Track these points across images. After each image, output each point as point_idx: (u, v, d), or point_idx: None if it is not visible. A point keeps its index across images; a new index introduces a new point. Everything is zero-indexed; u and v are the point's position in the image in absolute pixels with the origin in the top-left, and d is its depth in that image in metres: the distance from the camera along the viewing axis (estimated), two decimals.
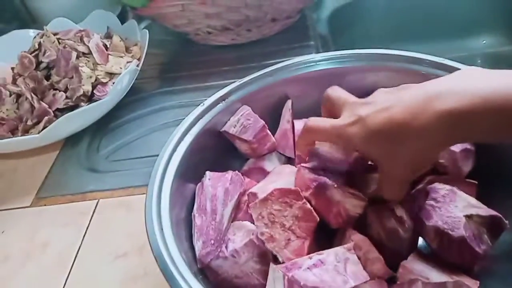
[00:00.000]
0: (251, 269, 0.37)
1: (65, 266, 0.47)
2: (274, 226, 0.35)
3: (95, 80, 0.61)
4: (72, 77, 0.60)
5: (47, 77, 0.63)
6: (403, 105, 0.31)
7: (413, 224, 0.38)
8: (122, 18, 0.81)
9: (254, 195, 0.40)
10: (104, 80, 0.61)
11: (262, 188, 0.41)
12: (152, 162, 0.41)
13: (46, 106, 0.59)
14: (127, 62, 0.64)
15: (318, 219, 0.35)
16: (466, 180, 0.40)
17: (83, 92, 0.59)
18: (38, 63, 0.64)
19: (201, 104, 0.47)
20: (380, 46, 0.51)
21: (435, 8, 0.84)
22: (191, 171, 0.44)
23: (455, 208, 0.36)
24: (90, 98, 0.61)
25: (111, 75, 0.62)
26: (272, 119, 0.51)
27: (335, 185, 0.36)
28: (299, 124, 0.48)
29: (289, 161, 0.49)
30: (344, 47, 0.54)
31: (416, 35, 0.86)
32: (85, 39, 0.64)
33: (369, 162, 0.40)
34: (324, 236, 0.39)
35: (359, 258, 0.34)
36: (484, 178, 0.40)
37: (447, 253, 0.35)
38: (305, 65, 0.51)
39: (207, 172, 0.43)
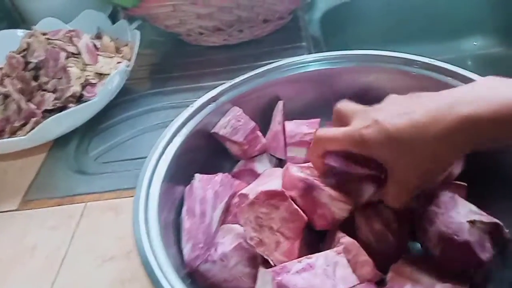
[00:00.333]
0: (240, 273, 0.37)
1: (52, 270, 0.46)
2: (263, 229, 0.34)
3: (84, 80, 0.60)
4: (61, 78, 0.59)
5: (36, 78, 0.62)
6: (424, 110, 0.31)
7: (401, 227, 0.37)
8: (113, 18, 0.81)
9: (245, 196, 0.39)
10: (93, 81, 0.60)
11: (253, 190, 0.41)
12: (142, 164, 0.41)
13: (34, 107, 0.58)
14: (117, 63, 0.64)
15: (306, 218, 0.35)
16: (455, 182, 0.40)
17: (72, 93, 0.58)
18: (26, 63, 0.63)
19: (191, 106, 0.46)
20: (372, 47, 0.51)
21: (427, 10, 0.84)
22: (181, 173, 0.43)
23: (457, 214, 0.36)
24: (79, 99, 0.60)
25: (100, 75, 0.62)
26: (264, 121, 0.51)
27: (323, 187, 0.35)
28: (290, 126, 0.48)
29: (280, 162, 0.49)
30: (336, 48, 0.53)
31: (407, 37, 0.86)
32: (75, 39, 0.63)
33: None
34: (314, 238, 0.39)
35: (348, 261, 0.34)
36: (472, 180, 0.40)
37: (450, 259, 0.35)
38: (297, 66, 0.51)
39: (197, 175, 0.42)
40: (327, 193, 0.35)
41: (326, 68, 0.50)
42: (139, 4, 0.71)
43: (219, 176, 0.42)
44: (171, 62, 0.81)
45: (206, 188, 0.40)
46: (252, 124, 0.46)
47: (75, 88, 0.58)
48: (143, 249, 0.32)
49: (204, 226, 0.38)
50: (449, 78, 0.43)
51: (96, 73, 0.61)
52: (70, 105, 0.59)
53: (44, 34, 0.65)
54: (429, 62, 0.45)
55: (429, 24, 0.85)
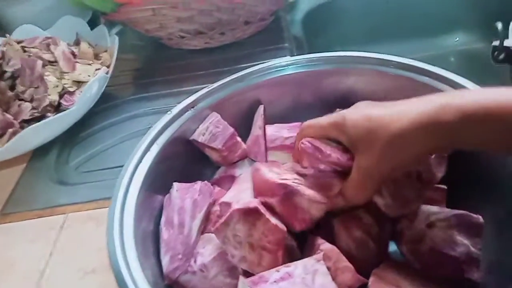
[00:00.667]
0: (221, 283, 0.36)
1: (32, 284, 0.45)
2: (243, 246, 0.34)
3: (62, 89, 0.59)
4: (38, 87, 0.58)
5: (12, 87, 0.61)
6: (397, 108, 0.33)
7: (381, 232, 0.37)
8: (94, 24, 0.79)
9: (228, 204, 0.39)
10: (71, 89, 0.59)
11: (236, 197, 0.40)
12: None
13: (11, 117, 0.57)
14: (96, 70, 0.63)
15: (286, 229, 0.34)
16: (435, 186, 0.40)
17: (50, 102, 0.57)
18: (2, 72, 0.61)
19: (169, 112, 0.45)
20: (355, 47, 0.51)
21: (409, 8, 0.84)
22: (159, 182, 0.42)
23: (419, 223, 0.36)
24: (57, 108, 0.59)
25: (79, 83, 0.60)
26: (245, 125, 0.50)
27: (302, 193, 0.35)
28: (271, 130, 0.48)
29: None
30: (319, 48, 0.53)
31: (390, 35, 0.86)
32: (52, 47, 0.62)
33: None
34: (294, 245, 0.39)
35: (328, 268, 0.33)
36: (455, 183, 0.40)
37: (430, 269, 0.35)
38: (276, 69, 0.50)
39: (175, 183, 0.41)
40: (306, 198, 0.35)
41: (305, 71, 0.49)
42: (118, 8, 0.70)
43: (197, 184, 0.41)
44: (153, 67, 0.80)
45: (185, 197, 0.40)
46: (231, 130, 0.45)
47: (53, 97, 0.57)
48: (116, 262, 0.32)
49: (182, 236, 0.38)
50: (426, 78, 0.43)
51: (74, 81, 0.60)
52: (48, 114, 0.58)
53: (19, 42, 0.64)
54: (405, 62, 0.44)
55: (411, 22, 0.85)
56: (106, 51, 0.69)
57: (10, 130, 0.56)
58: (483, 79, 0.42)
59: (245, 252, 0.34)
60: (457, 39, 0.86)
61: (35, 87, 0.59)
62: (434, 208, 0.37)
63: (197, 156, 0.48)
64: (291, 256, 0.37)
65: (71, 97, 0.59)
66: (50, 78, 0.58)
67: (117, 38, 0.68)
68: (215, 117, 0.46)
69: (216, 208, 0.41)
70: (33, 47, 0.62)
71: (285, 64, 0.50)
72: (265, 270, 0.33)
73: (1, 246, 0.50)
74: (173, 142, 0.44)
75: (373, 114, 0.33)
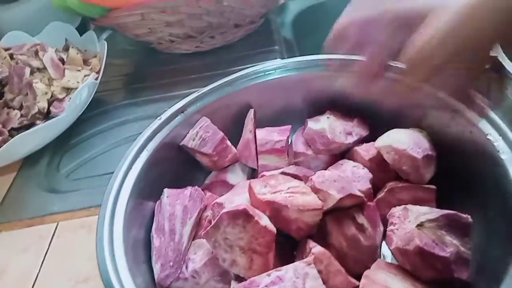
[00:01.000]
0: None
1: None
2: (233, 250, 0.34)
3: (51, 96, 0.58)
4: (27, 94, 0.58)
5: (0, 95, 0.60)
6: None
7: (374, 231, 0.37)
8: (83, 30, 0.79)
9: (220, 205, 0.39)
10: (60, 96, 0.59)
11: (229, 199, 0.40)
12: None
13: (0, 125, 0.56)
14: (85, 76, 0.62)
15: (275, 231, 0.34)
16: (425, 186, 0.40)
17: (39, 109, 0.57)
18: None
19: (158, 118, 0.45)
20: None
21: None
22: (150, 188, 0.42)
23: (408, 224, 0.36)
24: (46, 115, 0.59)
25: (68, 90, 0.60)
26: (235, 130, 0.50)
27: (288, 205, 0.35)
28: (261, 134, 0.48)
29: (254, 171, 0.49)
30: (310, 50, 0.53)
31: None
32: (40, 53, 0.61)
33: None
34: (288, 246, 0.39)
35: (320, 272, 0.33)
36: (445, 183, 0.40)
37: (421, 270, 0.35)
38: (265, 73, 0.50)
39: (165, 190, 0.41)
40: (295, 209, 0.35)
41: (294, 74, 0.49)
42: (107, 14, 0.70)
43: (188, 190, 0.41)
44: (144, 72, 0.80)
45: (175, 203, 0.39)
46: (220, 134, 0.45)
47: (42, 104, 0.57)
48: (106, 271, 0.31)
49: (174, 243, 0.37)
50: None
51: (63, 87, 0.60)
52: (38, 122, 0.57)
53: (7, 49, 0.63)
54: (393, 64, 0.44)
55: None
56: (95, 56, 0.69)
57: (0, 138, 0.56)
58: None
59: (235, 256, 0.34)
60: None
61: (24, 95, 0.58)
62: (423, 209, 0.37)
63: (189, 161, 0.48)
64: (284, 259, 0.37)
65: (60, 104, 0.58)
66: (39, 85, 0.57)
67: (106, 43, 0.68)
68: (205, 122, 0.46)
69: (208, 213, 0.41)
70: (21, 54, 0.62)
71: (274, 68, 0.50)
72: (257, 273, 0.33)
73: None
74: (163, 147, 0.44)
75: None
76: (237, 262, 0.34)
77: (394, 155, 0.41)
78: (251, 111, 0.50)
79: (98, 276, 0.44)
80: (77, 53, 0.65)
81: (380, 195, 0.42)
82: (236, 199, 0.40)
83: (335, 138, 0.46)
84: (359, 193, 0.38)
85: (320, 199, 0.38)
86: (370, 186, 0.41)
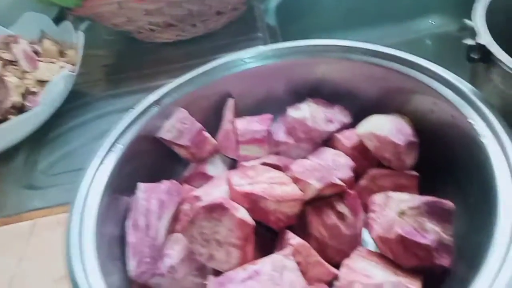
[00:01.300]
0: (191, 284, 0.35)
1: None
2: (210, 244, 0.33)
3: (25, 90, 0.56)
4: None
5: None
6: None
7: (355, 219, 0.36)
8: (61, 21, 0.76)
9: (197, 198, 0.38)
10: (34, 89, 0.57)
11: (207, 192, 0.39)
12: None
13: None
14: (61, 68, 0.60)
15: (254, 223, 0.33)
16: (407, 172, 0.40)
17: (12, 104, 0.55)
18: None
19: (131, 110, 0.44)
20: (331, 34, 0.50)
21: None
22: (126, 183, 0.41)
23: (389, 211, 0.35)
24: (20, 109, 0.57)
25: (42, 83, 0.58)
26: (215, 120, 0.49)
27: (266, 197, 0.34)
28: (241, 123, 0.46)
29: (235, 162, 0.47)
30: (294, 37, 0.52)
31: (366, 21, 0.85)
32: (12, 45, 0.59)
33: None
34: (267, 238, 0.38)
35: (299, 263, 0.33)
36: (427, 170, 0.39)
37: (402, 258, 0.34)
38: (244, 62, 0.49)
39: (140, 184, 0.40)
40: (273, 200, 0.34)
41: (274, 62, 0.48)
42: (82, 3, 0.67)
43: (164, 184, 0.40)
44: (125, 62, 0.78)
45: (150, 198, 0.38)
46: (198, 126, 0.44)
47: (15, 98, 0.55)
48: (72, 271, 0.30)
49: (149, 239, 0.36)
50: (396, 64, 0.42)
51: (38, 80, 0.58)
52: (11, 116, 0.55)
53: None
54: (373, 49, 0.43)
55: (386, 7, 0.84)
56: (72, 47, 0.67)
57: None
58: (460, 61, 0.41)
59: (212, 250, 0.33)
60: (432, 22, 0.86)
61: None
62: (404, 196, 0.36)
63: (168, 154, 0.46)
64: (264, 250, 0.36)
65: (35, 98, 0.56)
66: (11, 79, 0.55)
67: (82, 34, 0.66)
68: (181, 113, 0.45)
69: (186, 206, 0.40)
70: None
71: (253, 56, 0.48)
72: (235, 267, 0.33)
73: None
74: (138, 140, 0.43)
75: None
76: (214, 257, 0.33)
77: (376, 142, 0.40)
78: (230, 101, 0.48)
79: None
80: (52, 45, 0.63)
81: (362, 182, 0.41)
82: (214, 191, 0.39)
83: (316, 126, 0.44)
84: (339, 182, 0.37)
85: (300, 189, 0.37)
86: (351, 174, 0.40)
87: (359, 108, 0.45)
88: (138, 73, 0.74)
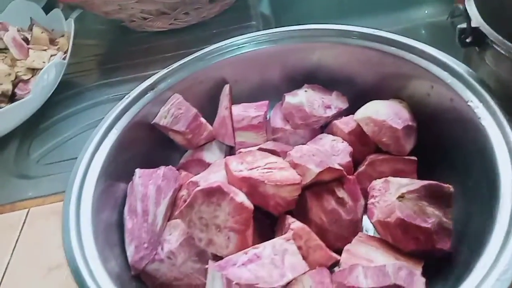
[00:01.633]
0: (190, 269, 0.35)
1: None
2: (209, 229, 0.32)
3: (15, 77, 0.55)
4: None
5: None
6: None
7: (355, 205, 0.36)
8: (51, 9, 0.75)
9: (195, 183, 0.37)
10: (25, 77, 0.56)
11: (204, 178, 0.38)
12: None
13: None
14: (52, 56, 0.59)
15: (253, 207, 0.33)
16: (405, 157, 0.39)
17: (2, 91, 0.53)
18: None
19: (127, 96, 0.43)
20: (324, 23, 0.49)
21: None
22: (122, 169, 0.40)
23: (389, 196, 0.35)
24: (11, 98, 0.56)
25: (33, 70, 0.57)
26: (210, 107, 0.48)
27: (265, 181, 0.34)
28: (237, 110, 0.46)
29: (231, 149, 0.47)
30: (287, 25, 0.51)
31: (360, 10, 0.84)
32: (1, 33, 0.58)
33: None
34: (267, 223, 0.38)
35: (300, 248, 0.32)
36: (425, 154, 0.39)
37: (403, 242, 0.34)
38: (238, 47, 0.48)
39: (137, 170, 0.39)
40: (272, 184, 0.34)
41: (269, 47, 0.47)
42: None
43: (161, 170, 0.39)
44: (117, 51, 0.77)
45: (147, 183, 0.38)
46: (194, 111, 0.43)
47: (5, 86, 0.54)
48: (73, 257, 0.30)
49: (147, 224, 0.36)
50: (392, 48, 0.42)
51: (28, 68, 0.57)
52: (2, 105, 0.54)
53: None
54: (369, 32, 0.43)
55: None
56: (63, 35, 0.65)
57: None
58: (454, 50, 0.41)
59: (212, 235, 0.33)
60: (427, 11, 0.85)
61: None
62: (404, 180, 0.36)
63: (164, 141, 0.46)
64: (263, 235, 0.36)
65: (25, 86, 0.55)
66: (1, 66, 0.54)
67: (73, 22, 0.64)
68: (176, 98, 0.44)
69: (183, 193, 0.39)
70: None
71: (247, 41, 0.47)
72: (234, 252, 0.32)
73: None
74: (133, 127, 0.42)
75: None
76: (213, 241, 0.33)
77: (374, 127, 0.40)
78: (226, 87, 0.48)
79: None
80: (42, 32, 0.62)
81: (361, 168, 0.41)
82: (212, 177, 0.38)
83: (314, 112, 0.44)
84: (338, 167, 0.37)
85: (298, 174, 0.36)
86: (350, 159, 0.40)
87: (356, 94, 0.45)
88: (130, 62, 0.73)
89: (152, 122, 0.44)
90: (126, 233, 0.36)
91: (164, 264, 0.35)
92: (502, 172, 0.31)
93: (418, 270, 0.32)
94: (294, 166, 0.37)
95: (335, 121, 0.44)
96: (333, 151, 0.41)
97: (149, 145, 0.45)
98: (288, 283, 0.30)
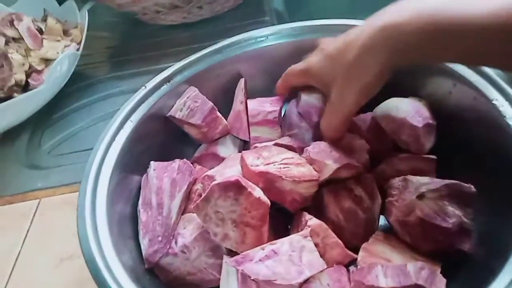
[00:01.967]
0: (204, 264, 0.35)
1: (3, 274, 0.43)
2: (225, 223, 0.32)
3: (29, 67, 0.55)
4: (2, 66, 0.54)
5: None
6: (358, 28, 0.34)
7: (372, 203, 0.36)
8: (64, 1, 0.75)
9: (211, 178, 0.37)
10: (39, 67, 0.55)
11: (220, 172, 0.38)
12: None
13: None
14: (65, 46, 0.59)
15: (269, 203, 0.33)
16: (424, 156, 0.39)
17: (16, 81, 0.53)
18: None
19: (143, 87, 0.42)
20: (338, 19, 0.48)
21: None
22: (136, 161, 0.40)
23: (408, 194, 0.34)
24: (25, 88, 0.55)
25: (47, 61, 0.57)
26: (225, 100, 0.47)
27: (283, 176, 0.33)
28: (252, 104, 0.45)
29: (246, 144, 0.46)
30: (301, 21, 0.50)
31: (374, 6, 0.83)
32: (15, 23, 0.57)
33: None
34: (282, 220, 0.37)
35: (317, 245, 0.32)
36: (444, 153, 0.38)
37: (421, 242, 0.34)
38: (256, 41, 0.47)
39: (152, 162, 0.39)
40: (289, 180, 0.33)
41: (288, 41, 0.46)
42: None
43: (176, 163, 0.39)
44: (129, 44, 0.76)
45: (162, 176, 0.37)
46: (210, 104, 0.43)
47: (19, 76, 0.53)
48: (89, 249, 0.29)
49: (162, 218, 0.35)
50: None
51: (42, 58, 0.56)
52: (15, 94, 0.54)
53: None
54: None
55: None
56: (76, 27, 0.65)
57: None
58: None
59: (228, 230, 0.32)
60: None
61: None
62: (424, 179, 0.35)
63: (178, 134, 0.45)
64: (277, 232, 0.35)
65: (39, 76, 0.55)
66: (15, 56, 0.54)
67: (87, 13, 0.64)
68: (192, 91, 0.43)
69: (198, 186, 0.39)
70: None
71: (266, 35, 0.47)
72: (250, 247, 0.32)
73: None
74: (149, 119, 0.42)
75: (330, 51, 0.36)
76: (229, 236, 0.32)
77: (393, 124, 0.40)
78: (242, 81, 0.47)
79: None
80: (56, 23, 0.61)
81: (378, 166, 0.40)
82: (227, 171, 0.38)
83: None
84: (356, 163, 0.36)
85: (315, 170, 0.36)
86: (367, 157, 0.40)
87: None
88: (142, 55, 0.73)
89: (167, 115, 0.43)
90: (140, 226, 0.36)
91: (178, 258, 0.35)
92: None
93: (438, 271, 0.31)
94: (311, 161, 0.37)
95: (353, 118, 0.43)
96: (350, 148, 0.41)
97: (163, 138, 0.44)
98: (306, 280, 0.30)
